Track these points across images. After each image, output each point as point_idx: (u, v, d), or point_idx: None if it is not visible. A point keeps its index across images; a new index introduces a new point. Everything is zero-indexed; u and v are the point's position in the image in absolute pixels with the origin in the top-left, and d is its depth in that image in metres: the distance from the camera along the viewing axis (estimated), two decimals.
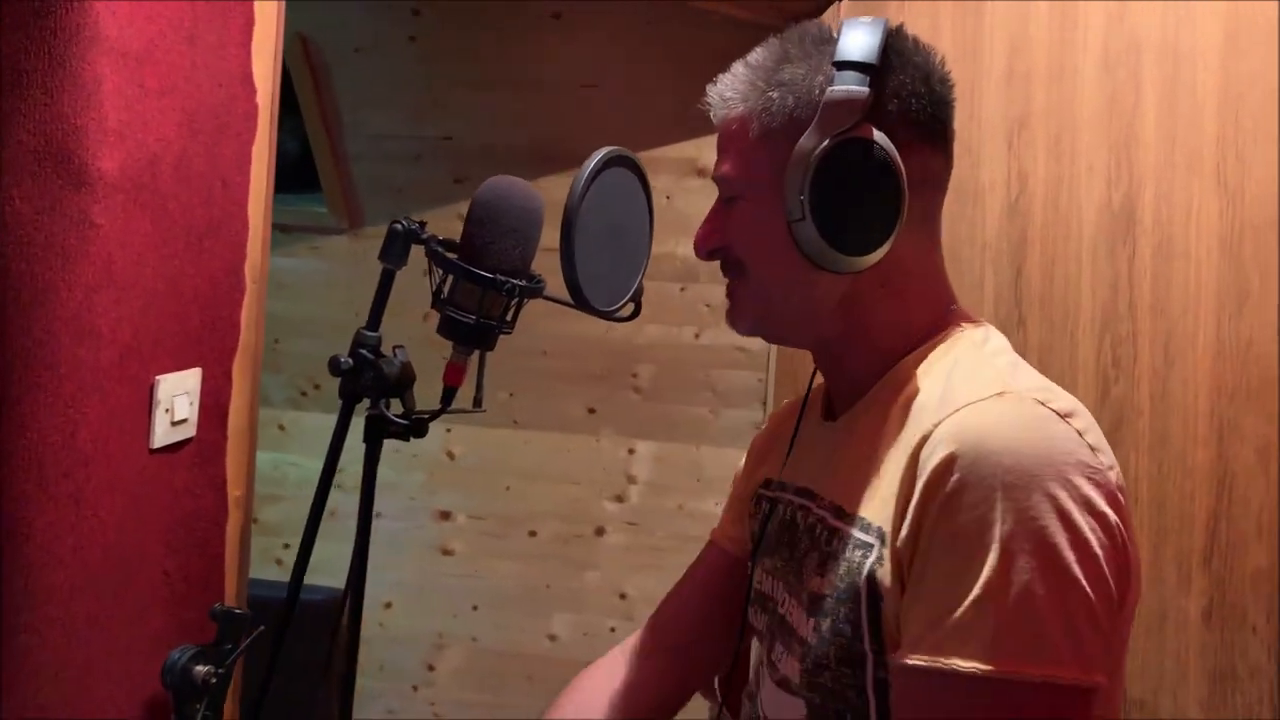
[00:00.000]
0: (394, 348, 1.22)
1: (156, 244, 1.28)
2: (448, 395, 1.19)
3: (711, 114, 0.92)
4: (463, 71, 2.75)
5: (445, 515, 3.02)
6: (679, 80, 2.79)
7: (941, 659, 0.68)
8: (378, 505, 3.48)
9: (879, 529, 0.78)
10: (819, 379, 0.99)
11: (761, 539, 1.00)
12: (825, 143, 0.79)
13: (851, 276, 0.84)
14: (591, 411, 2.92)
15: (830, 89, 0.80)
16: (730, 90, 0.90)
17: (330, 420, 1.09)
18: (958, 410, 0.74)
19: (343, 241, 2.89)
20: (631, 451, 2.92)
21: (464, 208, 3.12)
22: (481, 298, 1.13)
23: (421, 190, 2.80)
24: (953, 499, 0.70)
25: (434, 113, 2.79)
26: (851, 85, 0.79)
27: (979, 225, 1.43)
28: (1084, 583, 0.67)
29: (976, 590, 0.67)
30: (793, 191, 0.80)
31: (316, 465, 1.07)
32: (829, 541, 0.87)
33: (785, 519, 0.97)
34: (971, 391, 0.75)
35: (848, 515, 0.84)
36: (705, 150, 2.71)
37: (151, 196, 1.26)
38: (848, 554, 0.81)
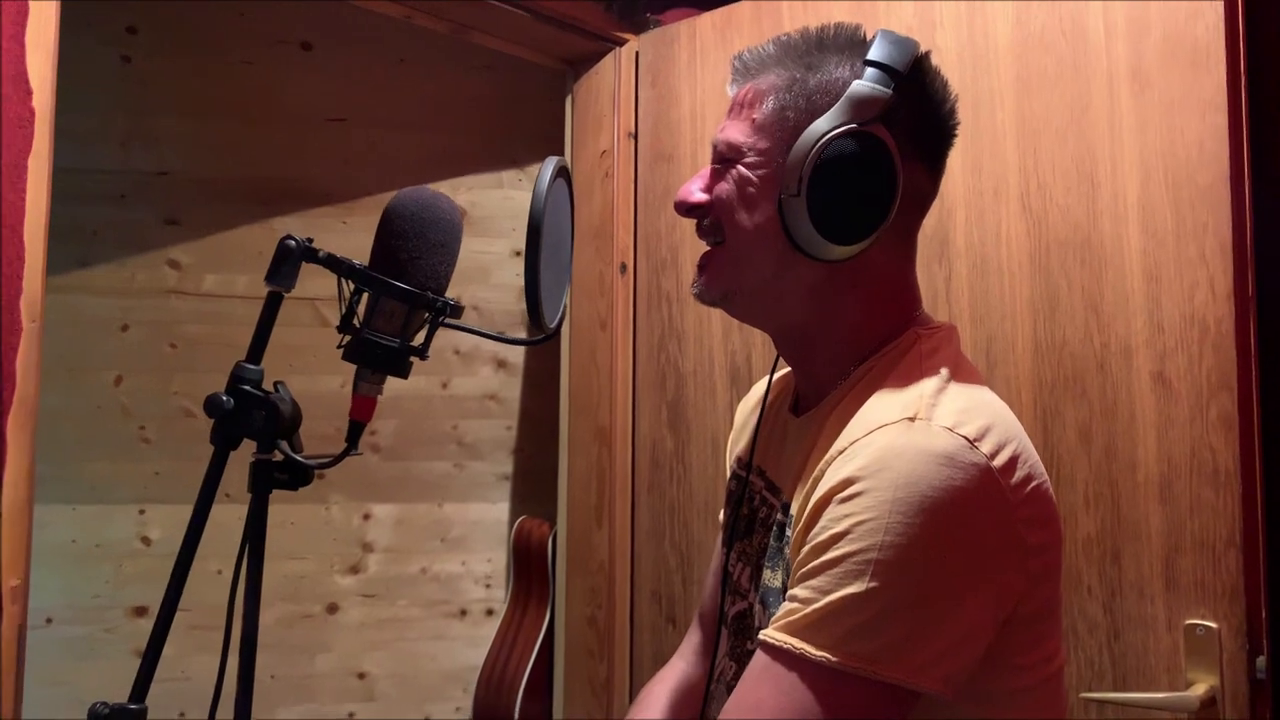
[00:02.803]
0: (275, 384, 1.05)
1: None
2: (355, 433, 1.05)
3: (730, 83, 0.92)
4: (186, 99, 2.44)
5: (141, 611, 2.61)
6: (436, 118, 2.72)
7: (796, 641, 0.74)
8: (47, 611, 2.93)
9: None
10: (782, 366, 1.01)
11: (735, 522, 1.00)
12: (840, 128, 0.82)
13: (825, 268, 0.86)
14: (320, 476, 2.67)
15: (856, 82, 0.83)
16: (756, 61, 0.90)
17: None
18: (870, 432, 0.78)
19: None
20: (367, 517, 2.71)
21: (176, 253, 2.78)
22: (408, 318, 1.02)
23: (124, 234, 2.43)
24: (845, 511, 0.75)
25: (147, 145, 2.45)
26: (877, 85, 0.83)
27: None
28: (945, 602, 0.74)
29: (845, 593, 0.73)
30: (794, 167, 0.83)
31: None
32: (779, 536, 0.88)
33: (753, 505, 0.98)
34: (887, 413, 0.79)
35: (792, 517, 0.86)
36: (461, 191, 2.63)
37: None
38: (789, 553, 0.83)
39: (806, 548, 0.76)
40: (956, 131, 0.91)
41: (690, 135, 1.88)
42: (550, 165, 1.00)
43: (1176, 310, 1.31)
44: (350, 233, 2.56)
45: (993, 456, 0.75)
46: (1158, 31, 1.34)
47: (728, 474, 1.08)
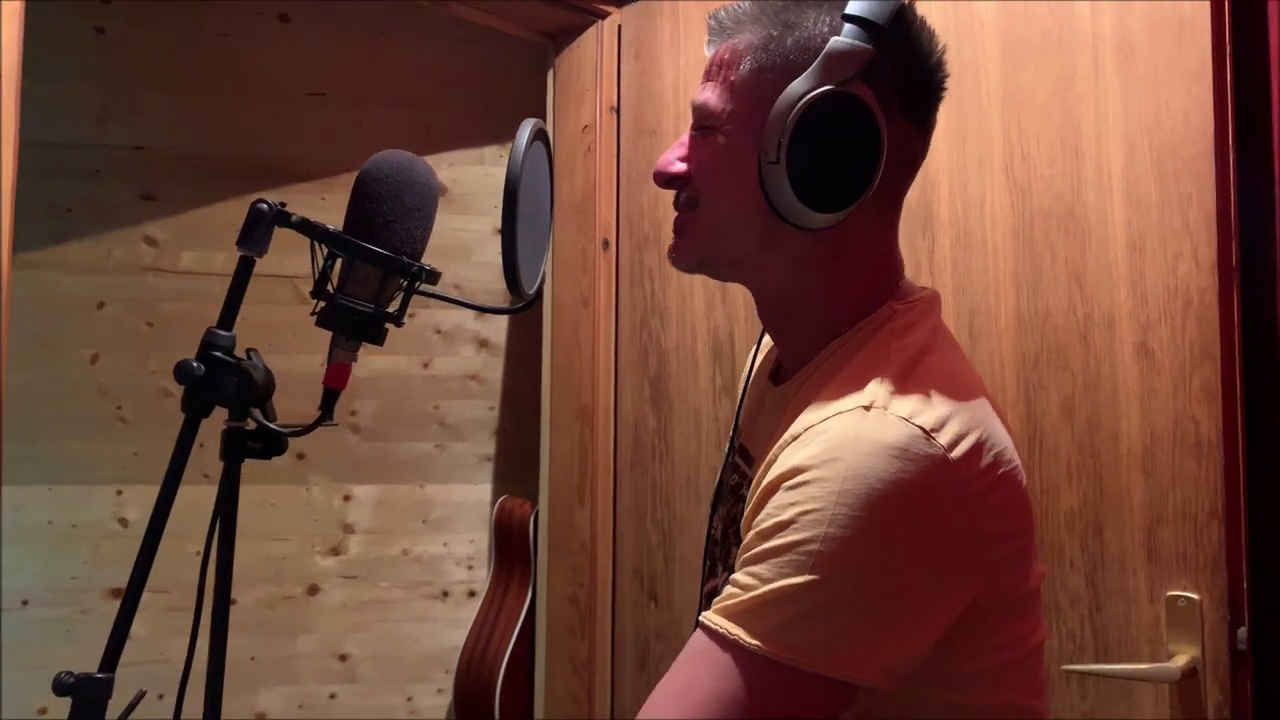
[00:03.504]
0: (247, 351, 1.04)
1: None
2: (329, 400, 1.04)
3: (706, 42, 0.89)
4: (162, 72, 2.41)
5: (119, 593, 2.57)
6: (416, 93, 2.69)
7: (732, 626, 0.72)
8: (23, 593, 2.90)
9: None
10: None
11: (719, 488, 0.99)
12: (818, 90, 0.78)
13: (808, 237, 0.82)
14: (300, 457, 2.66)
15: (834, 39, 0.79)
16: (731, 20, 0.86)
17: None
18: (825, 419, 0.76)
19: None
20: (348, 498, 2.69)
21: (153, 230, 2.75)
22: (382, 283, 1.00)
23: (100, 210, 2.40)
24: (791, 499, 0.73)
25: (123, 119, 2.42)
26: (856, 40, 0.78)
27: None
28: (886, 598, 0.72)
29: (784, 584, 0.71)
30: (772, 132, 0.79)
31: None
32: (742, 524, 0.87)
33: (732, 476, 0.96)
34: (844, 400, 0.77)
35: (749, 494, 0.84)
36: (442, 168, 2.60)
37: None
38: None
39: (752, 532, 0.75)
40: (946, 85, 0.87)
41: (673, 109, 1.86)
42: (527, 128, 0.98)
43: (1160, 281, 1.31)
44: (329, 209, 2.51)
45: (951, 448, 0.73)
46: (1143, 4, 1.33)
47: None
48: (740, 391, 1.02)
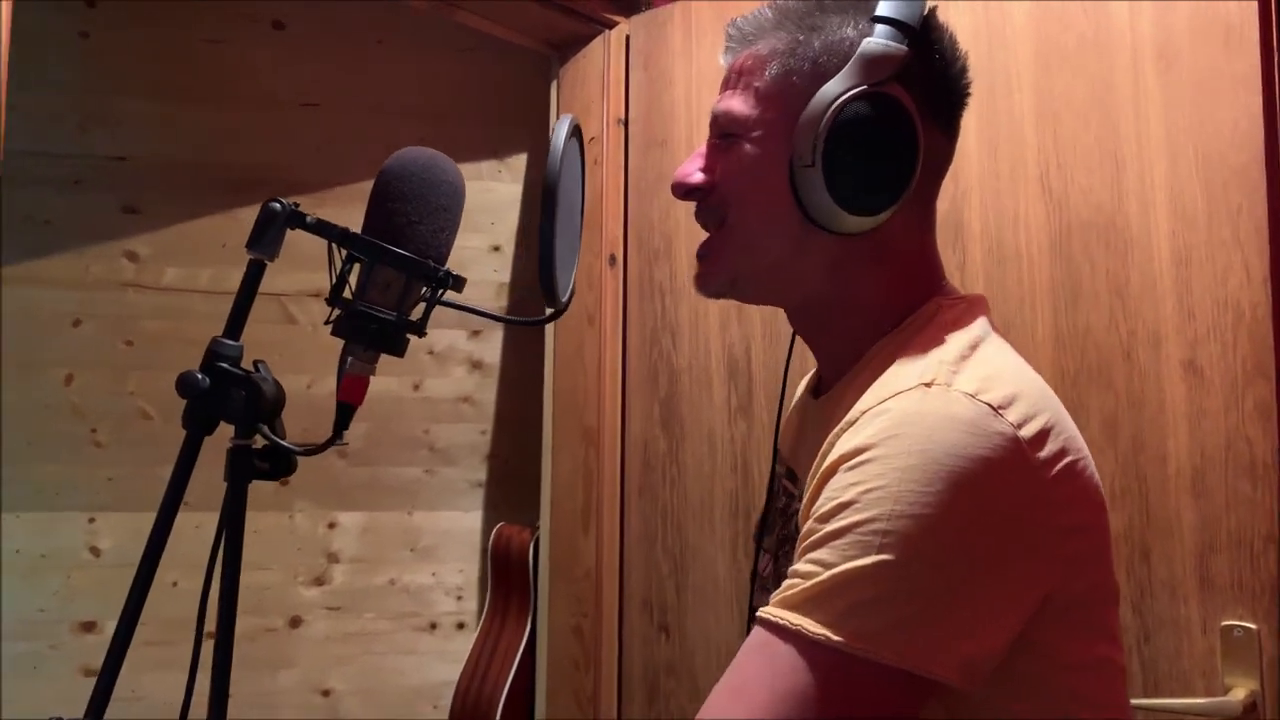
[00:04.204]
0: (254, 362, 0.96)
1: None
2: (344, 416, 0.96)
3: (723, 53, 0.87)
4: (148, 79, 2.33)
5: (89, 627, 2.46)
6: (414, 105, 2.61)
7: (794, 617, 0.67)
8: None
9: None
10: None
11: (765, 518, 0.96)
12: (854, 90, 0.76)
13: (843, 242, 0.80)
14: (283, 482, 2.55)
15: (868, 40, 0.77)
16: (753, 27, 0.85)
17: None
18: (883, 401, 0.73)
19: None
20: (333, 525, 2.59)
21: (134, 244, 2.66)
22: (405, 290, 0.93)
23: (79, 222, 2.31)
24: (852, 479, 0.69)
25: (106, 127, 2.33)
26: (890, 41, 0.77)
27: None
28: (961, 581, 0.67)
29: (850, 566, 0.66)
30: (806, 135, 0.77)
31: None
32: (799, 526, 0.82)
33: (778, 497, 0.93)
34: (902, 381, 0.74)
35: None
36: None
37: None
38: None
39: (810, 519, 0.70)
40: (970, 91, 0.85)
41: (685, 119, 1.80)
42: (565, 123, 0.93)
43: (1208, 295, 1.26)
44: None
45: (1020, 426, 0.69)
46: (1186, 8, 1.29)
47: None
48: (778, 412, 0.98)
